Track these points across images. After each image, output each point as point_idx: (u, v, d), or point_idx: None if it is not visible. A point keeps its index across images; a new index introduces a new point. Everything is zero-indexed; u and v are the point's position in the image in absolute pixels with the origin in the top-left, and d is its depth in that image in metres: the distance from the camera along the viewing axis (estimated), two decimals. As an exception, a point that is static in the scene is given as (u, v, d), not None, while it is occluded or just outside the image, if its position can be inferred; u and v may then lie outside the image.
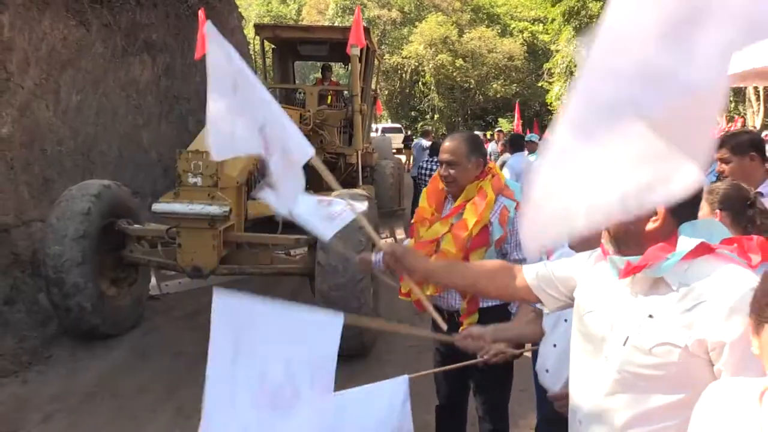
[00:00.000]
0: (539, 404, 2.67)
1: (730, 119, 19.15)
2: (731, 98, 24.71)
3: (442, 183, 2.88)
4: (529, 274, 1.82)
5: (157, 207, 4.92)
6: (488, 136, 18.58)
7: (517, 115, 16.52)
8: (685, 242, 1.40)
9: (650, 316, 1.41)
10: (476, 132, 14.38)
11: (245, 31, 14.64)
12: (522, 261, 2.74)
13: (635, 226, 1.44)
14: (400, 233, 8.57)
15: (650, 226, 1.44)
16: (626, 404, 1.43)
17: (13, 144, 6.13)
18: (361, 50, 7.93)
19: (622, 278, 1.48)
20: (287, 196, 2.12)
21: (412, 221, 3.07)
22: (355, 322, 2.64)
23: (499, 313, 2.72)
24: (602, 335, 1.53)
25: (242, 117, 1.90)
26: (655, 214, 1.43)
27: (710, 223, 1.50)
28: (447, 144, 2.85)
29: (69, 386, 4.51)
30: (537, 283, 1.79)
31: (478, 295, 1.98)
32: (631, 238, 1.46)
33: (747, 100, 18.79)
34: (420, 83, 39.56)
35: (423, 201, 3.01)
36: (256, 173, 5.91)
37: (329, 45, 9.31)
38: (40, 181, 6.46)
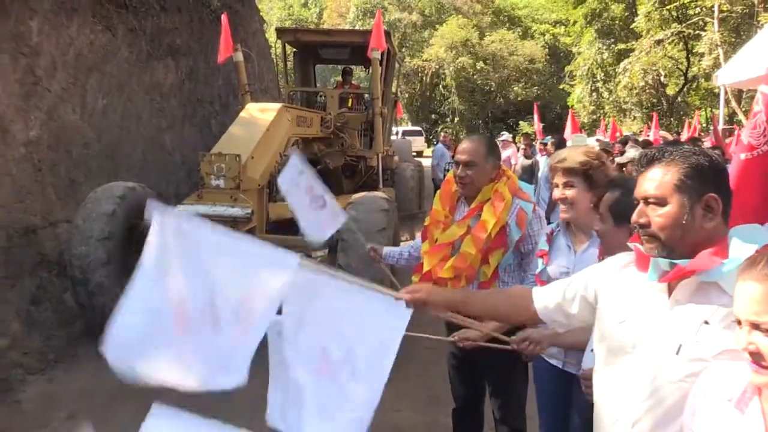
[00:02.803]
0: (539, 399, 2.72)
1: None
2: (749, 100, 24.33)
3: (457, 184, 2.88)
4: (538, 302, 1.82)
5: (181, 209, 4.99)
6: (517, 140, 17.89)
7: (536, 117, 16.21)
8: (740, 247, 1.37)
9: (706, 322, 1.37)
10: (505, 134, 14.43)
11: (266, 35, 14.76)
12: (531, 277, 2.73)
13: (691, 225, 1.42)
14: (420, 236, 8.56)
15: (708, 224, 1.42)
16: (676, 413, 1.38)
17: (40, 146, 6.26)
18: (382, 53, 7.97)
19: (665, 281, 1.45)
20: None
21: (426, 224, 3.08)
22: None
23: None
24: (635, 343, 1.49)
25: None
26: (712, 211, 1.41)
27: (754, 228, 1.48)
28: (465, 145, 2.85)
29: (94, 385, 4.57)
30: (545, 312, 1.80)
31: (500, 321, 2.01)
32: (688, 240, 1.42)
33: None
34: (440, 86, 39.55)
35: (437, 204, 3.02)
36: (278, 176, 5.95)
37: (350, 48, 9.37)
38: (66, 182, 6.59)
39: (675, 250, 1.42)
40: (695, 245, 1.41)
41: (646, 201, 1.46)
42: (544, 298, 1.81)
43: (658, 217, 1.43)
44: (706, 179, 1.42)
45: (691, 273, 1.38)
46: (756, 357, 1.15)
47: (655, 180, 1.45)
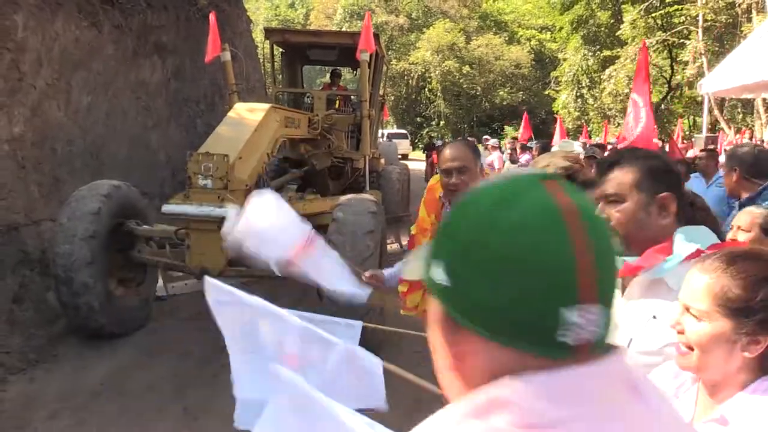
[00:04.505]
0: None
1: (738, 130, 19.13)
2: (739, 110, 24.72)
3: (449, 192, 2.86)
4: None
5: (167, 208, 4.95)
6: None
7: (524, 123, 16.25)
8: (683, 245, 1.46)
9: (654, 317, 1.45)
10: (491, 138, 14.51)
11: (253, 35, 14.71)
12: None
13: (647, 221, 1.50)
14: (405, 239, 8.59)
15: (662, 221, 1.50)
16: None
17: (24, 143, 6.17)
18: (370, 56, 7.97)
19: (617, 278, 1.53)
20: None
21: (414, 232, 3.03)
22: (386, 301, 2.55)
23: None
24: None
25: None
26: (666, 209, 1.50)
27: (699, 229, 1.57)
28: (454, 151, 2.78)
29: (76, 385, 4.53)
30: None
31: None
32: (643, 235, 1.50)
33: (755, 111, 18.77)
34: (426, 89, 39.62)
35: (422, 211, 2.96)
36: (265, 176, 5.94)
37: (338, 50, 9.36)
38: (50, 180, 6.51)
39: (631, 245, 1.51)
40: (650, 241, 1.50)
41: (607, 199, 1.55)
42: None
43: (617, 212, 1.53)
44: (660, 180, 1.52)
45: (638, 269, 1.47)
46: (680, 337, 1.26)
47: (615, 180, 1.55)
